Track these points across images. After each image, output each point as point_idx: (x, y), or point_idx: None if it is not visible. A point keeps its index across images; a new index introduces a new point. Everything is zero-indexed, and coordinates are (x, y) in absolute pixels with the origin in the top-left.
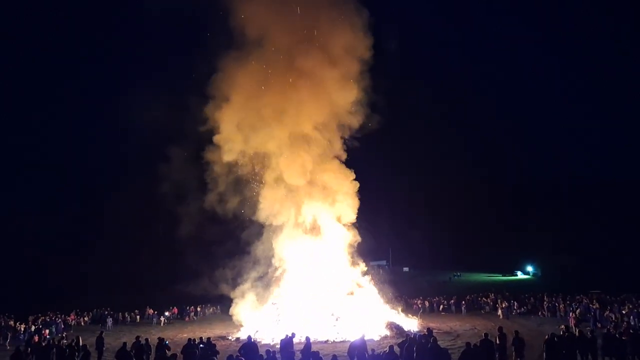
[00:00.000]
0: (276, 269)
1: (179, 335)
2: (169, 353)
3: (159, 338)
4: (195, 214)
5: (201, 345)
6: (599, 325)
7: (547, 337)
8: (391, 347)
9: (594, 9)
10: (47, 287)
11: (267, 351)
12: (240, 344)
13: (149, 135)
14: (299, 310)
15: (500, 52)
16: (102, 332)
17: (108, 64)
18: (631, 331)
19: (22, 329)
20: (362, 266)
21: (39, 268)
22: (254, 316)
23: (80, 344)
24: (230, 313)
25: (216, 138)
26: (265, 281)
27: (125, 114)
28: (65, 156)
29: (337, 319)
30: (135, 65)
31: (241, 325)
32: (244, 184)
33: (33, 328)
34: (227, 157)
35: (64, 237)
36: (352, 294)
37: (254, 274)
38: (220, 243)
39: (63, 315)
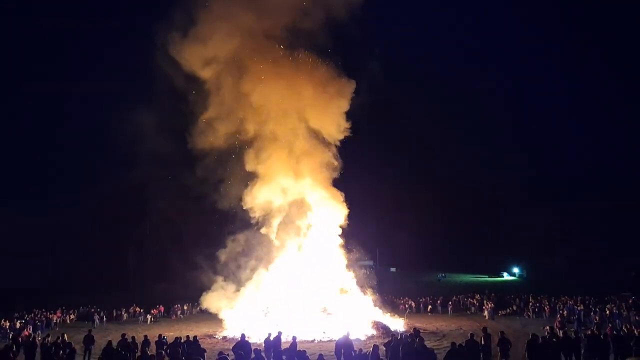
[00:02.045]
0: (265, 261)
1: (165, 333)
2: (165, 348)
3: (158, 335)
4: (180, 204)
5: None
6: (583, 327)
7: (528, 338)
8: (375, 346)
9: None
10: (32, 285)
11: (255, 350)
12: (227, 342)
13: (132, 130)
14: (287, 309)
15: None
16: (90, 330)
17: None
18: (614, 332)
19: (7, 326)
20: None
21: (24, 265)
22: (241, 314)
23: (66, 342)
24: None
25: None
26: (250, 273)
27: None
28: (50, 151)
29: (328, 315)
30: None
31: (225, 325)
32: (229, 170)
33: (18, 325)
34: (212, 139)
35: (48, 233)
36: (344, 292)
37: (239, 269)
38: (207, 236)
39: (48, 313)
